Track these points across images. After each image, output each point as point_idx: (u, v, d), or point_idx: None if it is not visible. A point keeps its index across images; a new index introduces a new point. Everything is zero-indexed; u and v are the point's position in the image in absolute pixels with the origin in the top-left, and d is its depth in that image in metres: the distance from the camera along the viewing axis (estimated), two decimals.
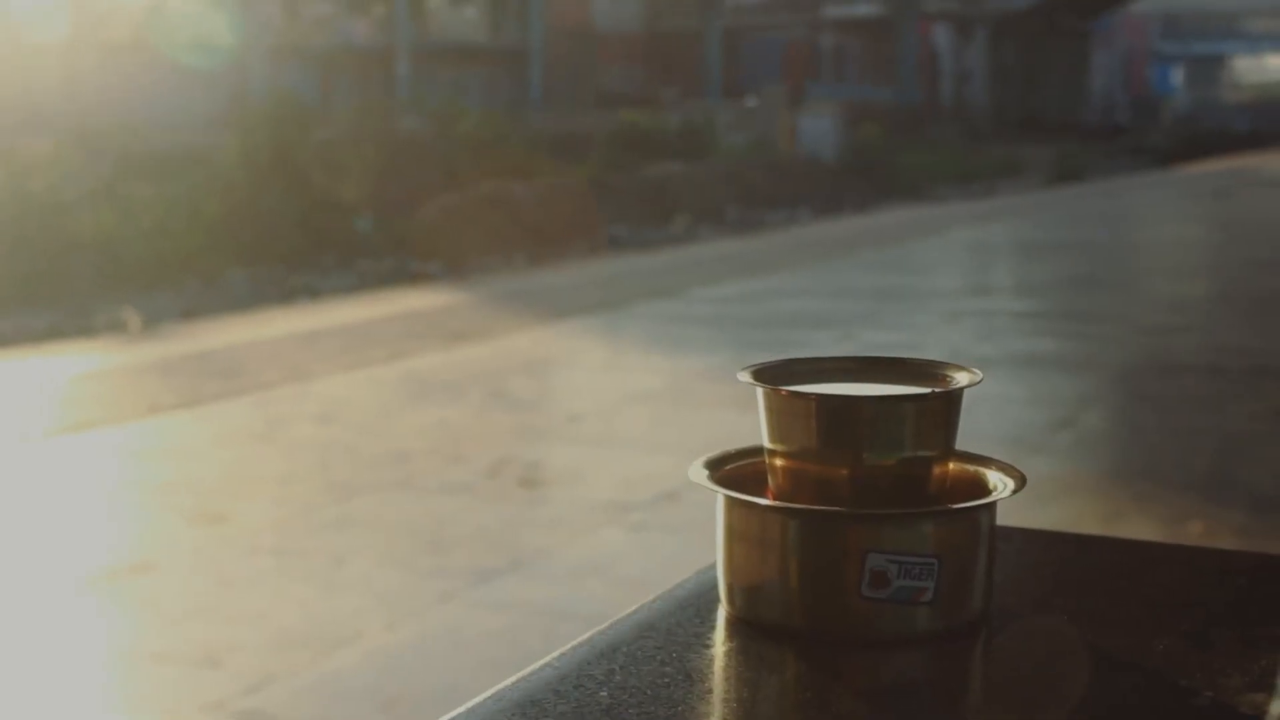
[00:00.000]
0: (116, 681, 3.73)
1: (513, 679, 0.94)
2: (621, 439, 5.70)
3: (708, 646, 1.00)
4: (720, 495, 1.04)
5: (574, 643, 1.00)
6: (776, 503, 1.04)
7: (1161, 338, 8.51)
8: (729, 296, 10.14)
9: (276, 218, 16.39)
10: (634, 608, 1.07)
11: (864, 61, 54.73)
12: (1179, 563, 1.18)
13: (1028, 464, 4.27)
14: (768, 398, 1.03)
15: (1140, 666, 0.95)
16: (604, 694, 0.92)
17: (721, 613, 1.05)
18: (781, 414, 1.03)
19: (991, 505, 1.03)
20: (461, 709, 0.91)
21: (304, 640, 3.86)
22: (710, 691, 0.94)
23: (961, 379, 1.05)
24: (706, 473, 1.08)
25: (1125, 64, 62.90)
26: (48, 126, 21.77)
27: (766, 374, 1.06)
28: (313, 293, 13.26)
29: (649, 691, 0.92)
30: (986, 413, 5.92)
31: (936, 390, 1.04)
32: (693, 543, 4.73)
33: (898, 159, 28.49)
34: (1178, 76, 68.44)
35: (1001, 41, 52.91)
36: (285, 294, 13.33)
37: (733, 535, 1.04)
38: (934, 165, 29.20)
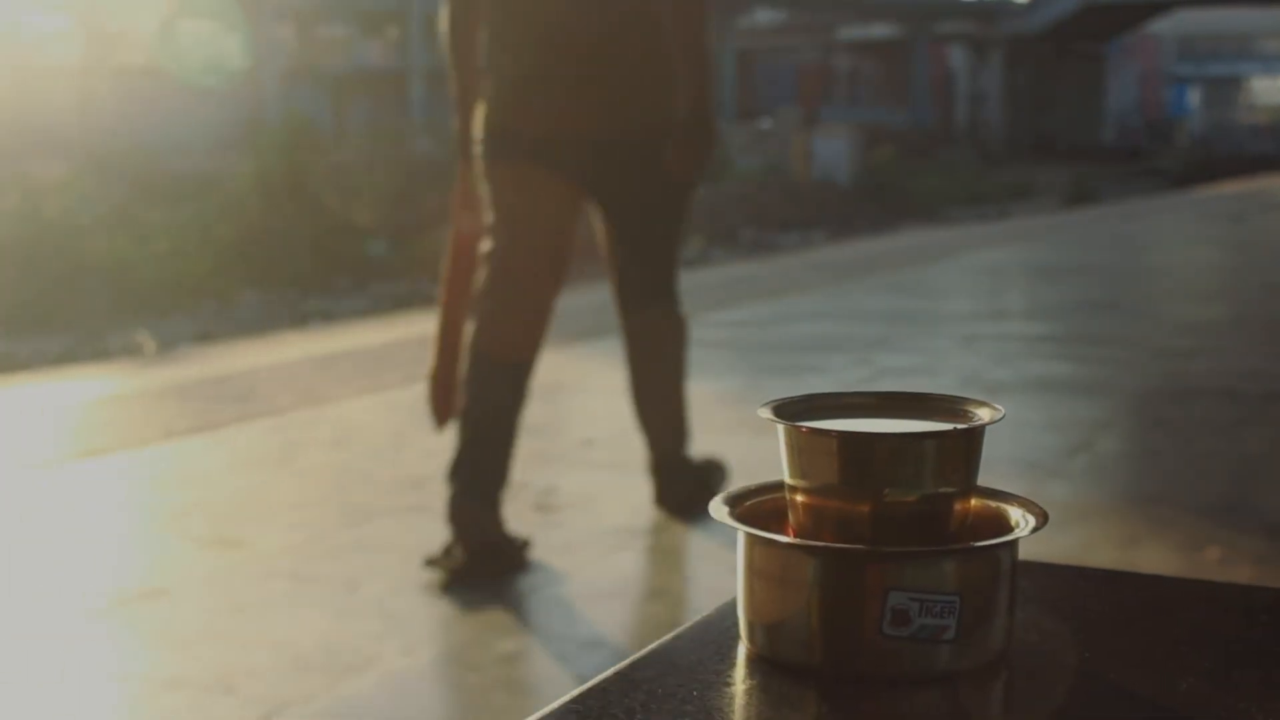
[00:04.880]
0: (129, 708, 3.73)
1: (534, 717, 0.94)
2: (635, 464, 5.69)
3: (728, 685, 0.99)
4: (741, 532, 1.04)
5: (594, 680, 1.00)
6: (797, 540, 1.04)
7: (1177, 362, 8.50)
8: (742, 320, 10.14)
9: (290, 241, 16.43)
10: (654, 643, 1.06)
11: (878, 83, 54.74)
12: (1200, 599, 1.17)
13: (1044, 489, 4.24)
14: (788, 434, 1.03)
15: (1163, 706, 0.95)
16: None
17: (742, 650, 1.04)
18: (802, 450, 1.03)
19: (1013, 543, 1.02)
20: None
21: (319, 665, 3.86)
22: None
23: (983, 415, 1.05)
24: (727, 509, 1.08)
25: (1140, 86, 62.88)
26: (62, 151, 21.84)
27: (787, 410, 1.06)
28: (326, 316, 13.29)
29: None
30: (1003, 438, 5.92)
31: (959, 427, 1.04)
32: (708, 570, 4.72)
33: (911, 181, 28.52)
34: (1194, 98, 68.39)
35: (1016, 63, 52.94)
36: (299, 317, 13.36)
37: (753, 572, 1.04)
38: (948, 188, 29.23)
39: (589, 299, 11.46)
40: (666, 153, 4.55)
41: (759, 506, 1.10)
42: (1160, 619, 1.11)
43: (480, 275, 4.68)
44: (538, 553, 4.81)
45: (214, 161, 22.12)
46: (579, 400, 7.40)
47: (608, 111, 4.50)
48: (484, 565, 4.51)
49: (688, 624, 1.10)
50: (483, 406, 4.61)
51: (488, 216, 4.65)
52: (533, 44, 4.46)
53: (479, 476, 4.56)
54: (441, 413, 4.86)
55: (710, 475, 5.18)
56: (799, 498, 1.04)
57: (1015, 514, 1.07)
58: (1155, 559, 4.68)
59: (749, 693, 0.99)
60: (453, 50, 4.58)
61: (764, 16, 54.98)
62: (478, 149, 4.59)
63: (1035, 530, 1.03)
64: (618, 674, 1.00)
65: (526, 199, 4.58)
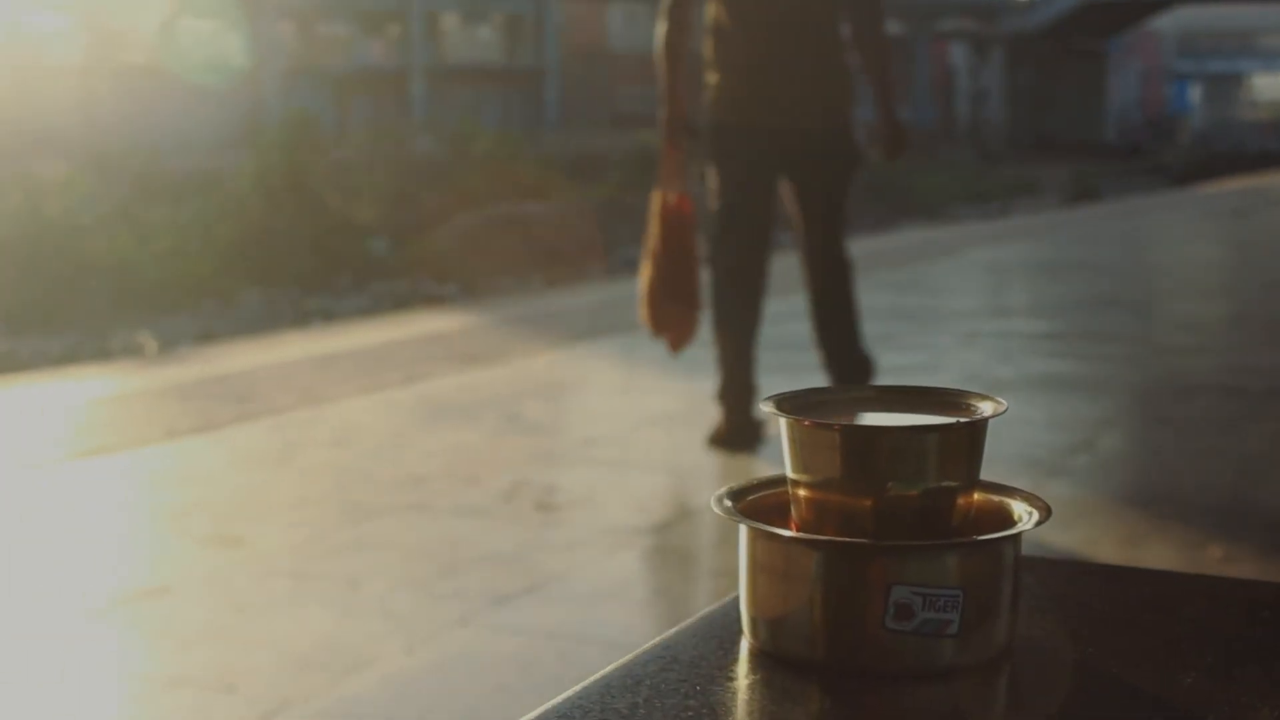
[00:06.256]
0: (130, 707, 3.73)
1: (535, 712, 0.93)
2: (637, 462, 5.69)
3: (731, 679, 0.99)
4: (743, 526, 1.04)
5: (596, 675, 0.99)
6: (800, 534, 1.03)
7: (1179, 359, 8.49)
8: None
9: (291, 240, 16.40)
10: (656, 638, 1.06)
11: None
12: (1203, 594, 1.17)
13: (1046, 487, 4.24)
14: (791, 428, 1.03)
15: (1165, 702, 0.95)
16: None
17: (744, 644, 1.04)
18: (805, 445, 1.03)
19: (1016, 536, 1.02)
20: None
21: (320, 664, 3.86)
22: None
23: (986, 409, 1.05)
24: (730, 503, 1.07)
25: (1141, 83, 62.79)
26: (63, 150, 21.83)
27: (789, 404, 1.06)
28: (327, 315, 13.27)
29: None
30: (1005, 435, 5.91)
31: (961, 420, 1.03)
32: (710, 568, 4.72)
33: (913, 179, 28.46)
34: (1195, 95, 68.27)
35: (1017, 61, 52.88)
36: (300, 316, 13.35)
37: (756, 567, 1.03)
38: (949, 185, 29.18)
39: (587, 299, 11.46)
40: (842, 142, 5.88)
41: (762, 501, 1.09)
42: (1162, 615, 1.11)
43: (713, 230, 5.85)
44: (539, 551, 4.81)
45: (215, 160, 22.10)
46: (580, 399, 7.40)
47: (803, 107, 5.70)
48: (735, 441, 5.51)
49: (690, 619, 1.10)
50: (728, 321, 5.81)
51: (685, 185, 5.83)
52: (747, 54, 5.63)
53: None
54: (673, 341, 5.89)
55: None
56: (801, 492, 1.04)
57: (1018, 508, 1.06)
58: (1157, 556, 4.67)
59: (751, 688, 0.98)
60: (666, 53, 5.73)
61: None
62: (706, 133, 5.75)
63: (1039, 524, 1.02)
64: (620, 669, 1.00)
65: (742, 178, 5.74)
